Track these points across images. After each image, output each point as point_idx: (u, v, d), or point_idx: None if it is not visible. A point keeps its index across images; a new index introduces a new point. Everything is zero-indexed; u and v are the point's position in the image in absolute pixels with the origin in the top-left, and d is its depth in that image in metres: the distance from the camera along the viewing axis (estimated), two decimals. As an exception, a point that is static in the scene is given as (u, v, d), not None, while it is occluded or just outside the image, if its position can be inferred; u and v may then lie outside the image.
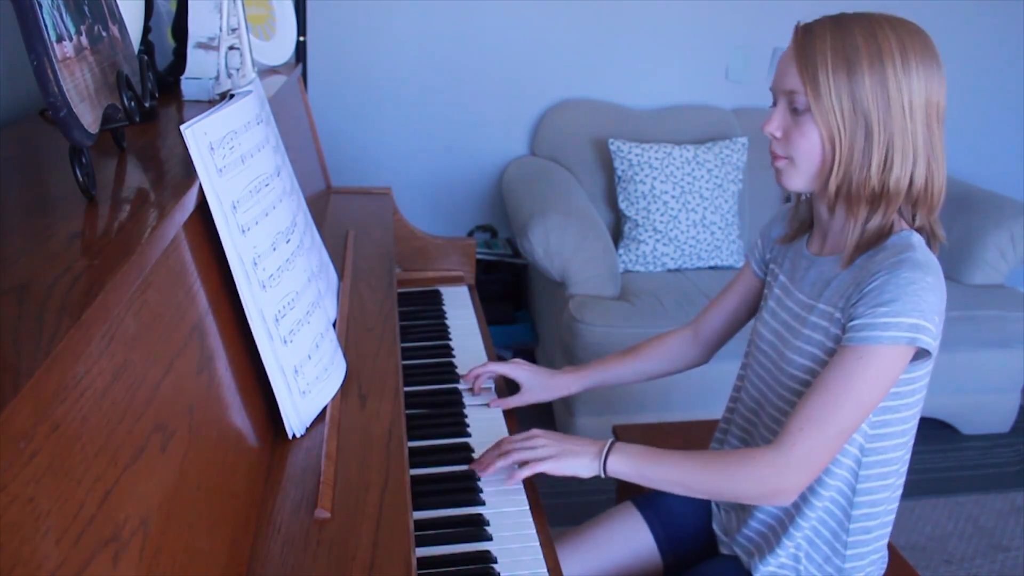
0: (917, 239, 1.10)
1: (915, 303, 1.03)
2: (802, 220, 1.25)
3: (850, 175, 1.08)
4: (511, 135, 3.06)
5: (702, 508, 1.36)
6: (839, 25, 1.09)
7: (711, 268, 2.78)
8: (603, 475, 1.12)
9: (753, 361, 1.27)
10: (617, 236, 2.79)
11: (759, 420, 1.25)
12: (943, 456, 2.63)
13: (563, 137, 2.95)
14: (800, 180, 1.13)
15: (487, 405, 1.32)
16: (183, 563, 0.67)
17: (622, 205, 2.75)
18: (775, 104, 1.14)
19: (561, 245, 2.41)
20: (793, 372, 1.15)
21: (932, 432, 2.72)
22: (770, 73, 3.12)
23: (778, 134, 1.12)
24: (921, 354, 1.07)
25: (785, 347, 1.18)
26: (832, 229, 1.17)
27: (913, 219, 1.12)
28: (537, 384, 1.39)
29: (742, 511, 1.26)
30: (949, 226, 2.68)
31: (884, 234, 1.10)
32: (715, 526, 1.33)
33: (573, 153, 2.92)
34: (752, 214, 2.96)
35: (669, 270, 2.74)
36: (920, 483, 2.50)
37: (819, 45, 1.08)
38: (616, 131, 2.87)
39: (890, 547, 1.35)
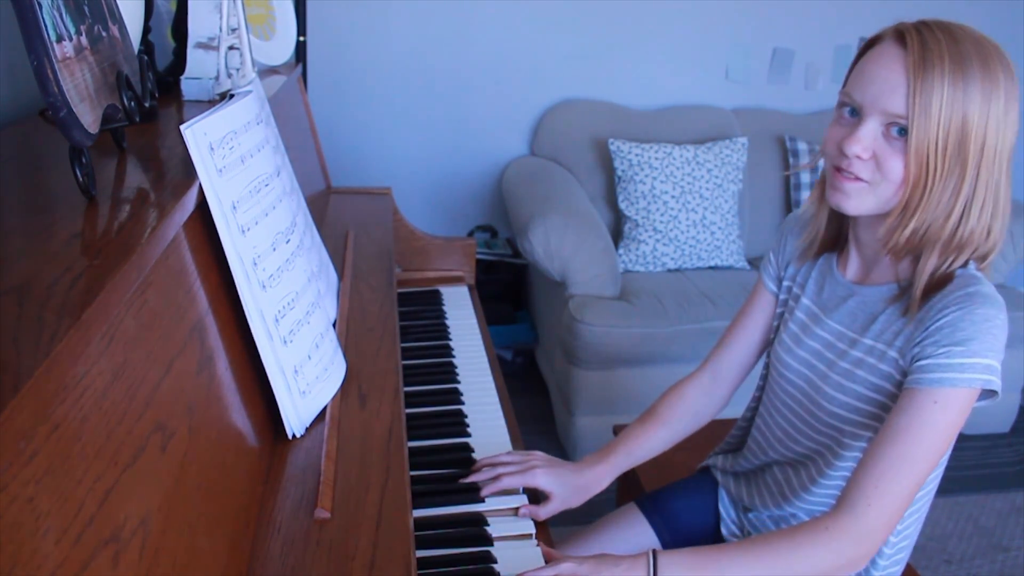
0: (978, 272, 1.03)
1: (991, 343, 0.96)
2: (825, 239, 1.15)
3: (930, 220, 0.98)
4: (511, 135, 3.06)
5: (708, 511, 1.34)
6: (956, 45, 0.95)
7: (711, 268, 2.78)
8: None
9: (778, 389, 1.19)
10: (617, 236, 2.79)
11: (780, 449, 1.21)
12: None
13: (563, 137, 2.95)
14: (869, 206, 1.02)
15: (515, 512, 1.13)
16: (183, 563, 0.67)
17: (622, 205, 2.75)
18: (856, 115, 1.00)
19: (561, 245, 2.40)
20: (832, 409, 1.09)
21: (932, 432, 2.72)
22: (773, 67, 3.14)
23: (865, 156, 0.99)
24: (985, 395, 0.99)
25: (822, 380, 1.11)
26: (880, 260, 1.08)
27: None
28: (568, 491, 1.17)
29: (755, 513, 1.24)
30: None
31: (949, 276, 1.01)
32: (724, 531, 1.32)
33: (573, 153, 2.92)
34: (752, 214, 2.97)
35: (669, 270, 2.74)
36: (920, 483, 2.50)
37: (938, 69, 0.94)
38: (616, 131, 2.87)
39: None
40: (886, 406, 1.05)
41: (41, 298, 0.60)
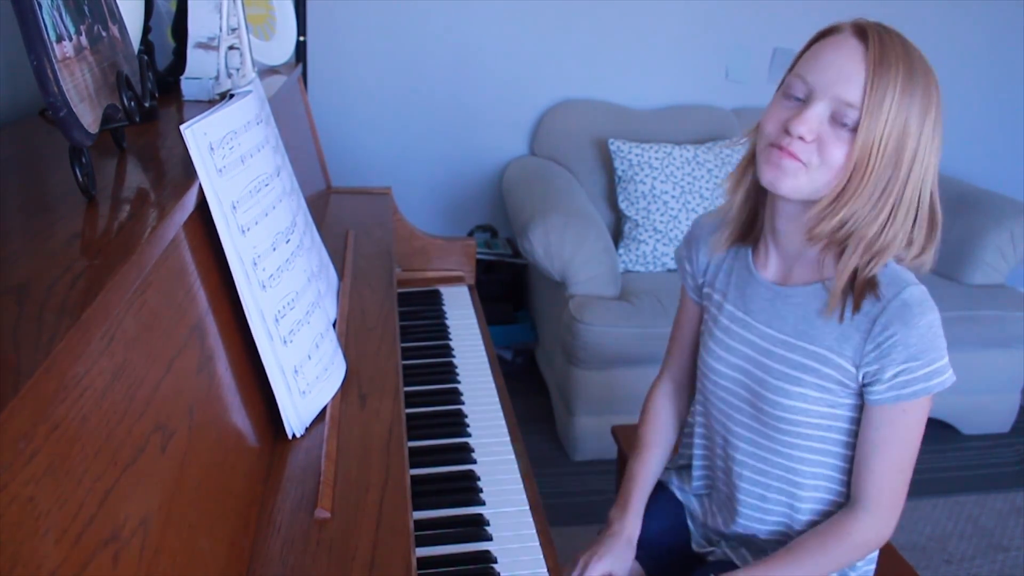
0: (898, 267, 1.06)
1: (939, 345, 1.04)
2: (736, 229, 1.15)
3: (858, 214, 1.00)
4: (511, 135, 3.06)
5: (679, 527, 1.33)
6: (908, 56, 0.98)
7: (711, 268, 2.77)
8: None
9: (715, 399, 1.19)
10: (617, 236, 2.79)
11: (736, 457, 1.19)
12: (943, 456, 2.63)
13: (563, 137, 2.95)
14: (802, 188, 1.01)
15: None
16: (183, 563, 0.67)
17: (622, 205, 2.75)
18: (805, 100, 1.01)
19: (561, 245, 2.40)
20: (780, 414, 1.10)
21: (932, 432, 2.70)
22: (773, 67, 3.13)
23: (809, 138, 0.99)
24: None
25: (761, 387, 1.12)
26: (802, 257, 1.09)
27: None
28: (625, 561, 1.25)
29: (723, 528, 1.25)
30: (949, 226, 2.61)
31: (873, 279, 1.04)
32: (694, 546, 1.31)
33: (573, 153, 2.92)
34: (752, 214, 2.96)
35: (669, 270, 2.74)
36: (920, 483, 2.49)
37: (893, 71, 0.96)
38: (616, 131, 2.87)
39: (890, 547, 1.35)
40: (837, 403, 1.09)
41: (41, 298, 0.60)
